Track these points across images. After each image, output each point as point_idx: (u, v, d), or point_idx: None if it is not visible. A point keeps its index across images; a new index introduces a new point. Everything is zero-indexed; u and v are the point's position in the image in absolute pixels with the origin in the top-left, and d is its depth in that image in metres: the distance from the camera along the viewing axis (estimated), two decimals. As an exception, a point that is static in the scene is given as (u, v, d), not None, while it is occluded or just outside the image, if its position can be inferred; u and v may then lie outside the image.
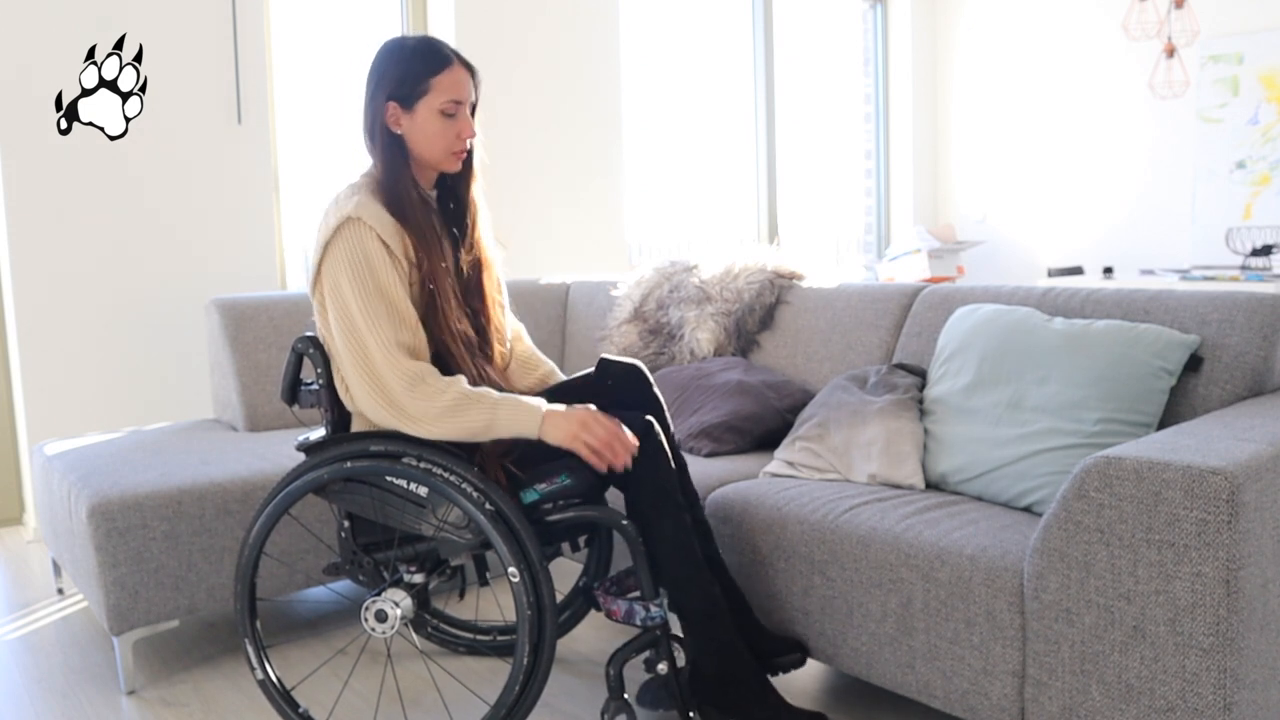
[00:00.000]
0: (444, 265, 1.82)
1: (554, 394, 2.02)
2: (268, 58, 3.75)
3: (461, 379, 1.74)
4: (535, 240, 4.39)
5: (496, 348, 1.96)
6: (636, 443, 1.77)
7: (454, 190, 1.95)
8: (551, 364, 2.15)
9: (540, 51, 4.33)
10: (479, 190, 1.96)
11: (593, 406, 1.80)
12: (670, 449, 2.00)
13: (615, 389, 1.99)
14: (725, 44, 5.23)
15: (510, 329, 2.06)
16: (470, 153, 1.91)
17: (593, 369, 2.03)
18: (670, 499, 1.80)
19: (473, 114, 1.88)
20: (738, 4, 5.23)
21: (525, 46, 4.29)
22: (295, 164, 3.88)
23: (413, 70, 1.78)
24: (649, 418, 1.83)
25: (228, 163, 3.58)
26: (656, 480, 1.80)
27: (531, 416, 1.72)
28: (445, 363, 1.80)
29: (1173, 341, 1.89)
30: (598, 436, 1.72)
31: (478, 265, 1.94)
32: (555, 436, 1.72)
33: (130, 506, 2.14)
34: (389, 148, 1.81)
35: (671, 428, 2.02)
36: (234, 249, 3.62)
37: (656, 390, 2.01)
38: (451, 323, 1.80)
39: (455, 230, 1.94)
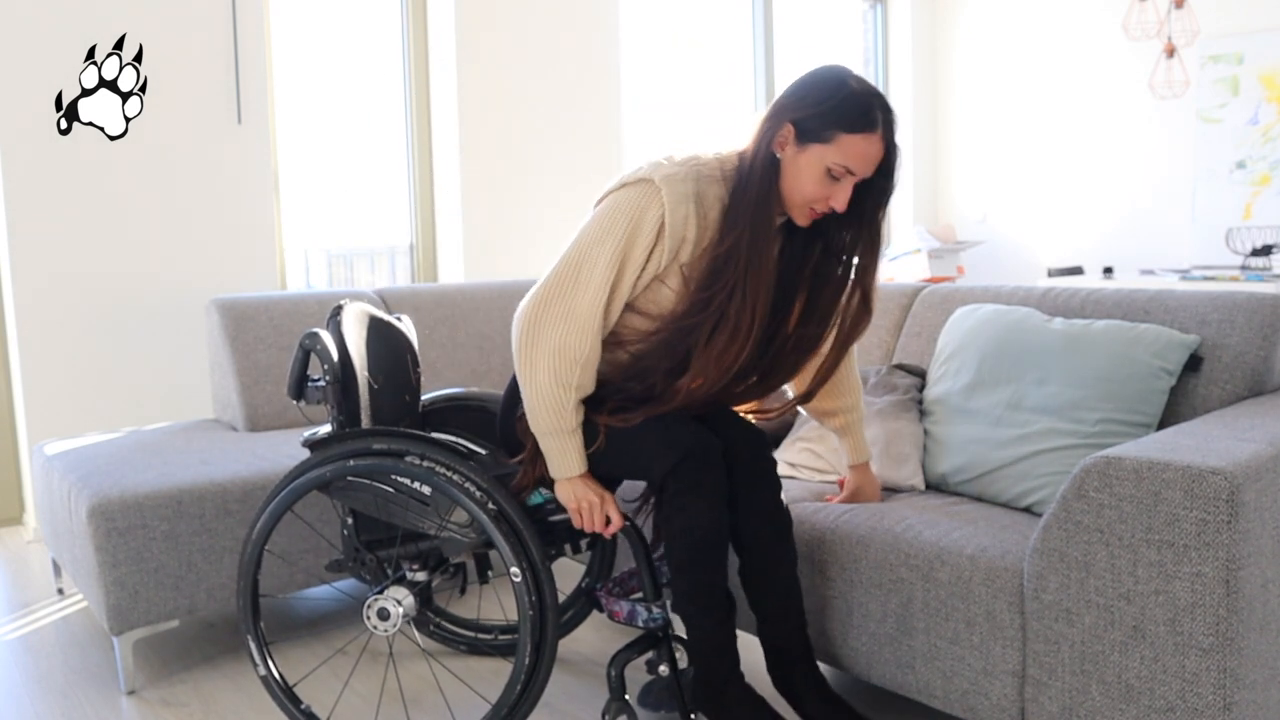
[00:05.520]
0: (763, 296, 1.69)
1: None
2: (268, 58, 3.75)
3: (580, 389, 1.71)
4: (535, 240, 4.39)
5: (745, 421, 1.85)
6: (618, 523, 1.78)
7: (823, 243, 1.79)
8: (851, 428, 2.00)
9: (540, 51, 4.33)
10: (866, 264, 1.78)
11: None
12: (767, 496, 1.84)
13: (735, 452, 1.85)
14: (725, 44, 5.23)
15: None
16: (851, 223, 1.76)
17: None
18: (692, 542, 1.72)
19: (882, 192, 1.72)
20: (738, 4, 5.23)
21: (525, 46, 4.29)
22: (295, 164, 3.88)
23: (829, 114, 1.63)
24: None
25: (228, 163, 3.58)
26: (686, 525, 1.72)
27: (562, 469, 1.76)
28: (663, 365, 1.73)
29: (1172, 341, 1.89)
30: (584, 513, 1.76)
31: (802, 337, 1.81)
32: (560, 493, 1.77)
33: (130, 506, 2.14)
34: (765, 165, 1.68)
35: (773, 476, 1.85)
36: (234, 249, 3.62)
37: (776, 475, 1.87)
38: (722, 354, 1.69)
39: (789, 285, 1.80)
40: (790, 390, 2.00)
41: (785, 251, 1.79)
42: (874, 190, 1.73)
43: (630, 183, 1.70)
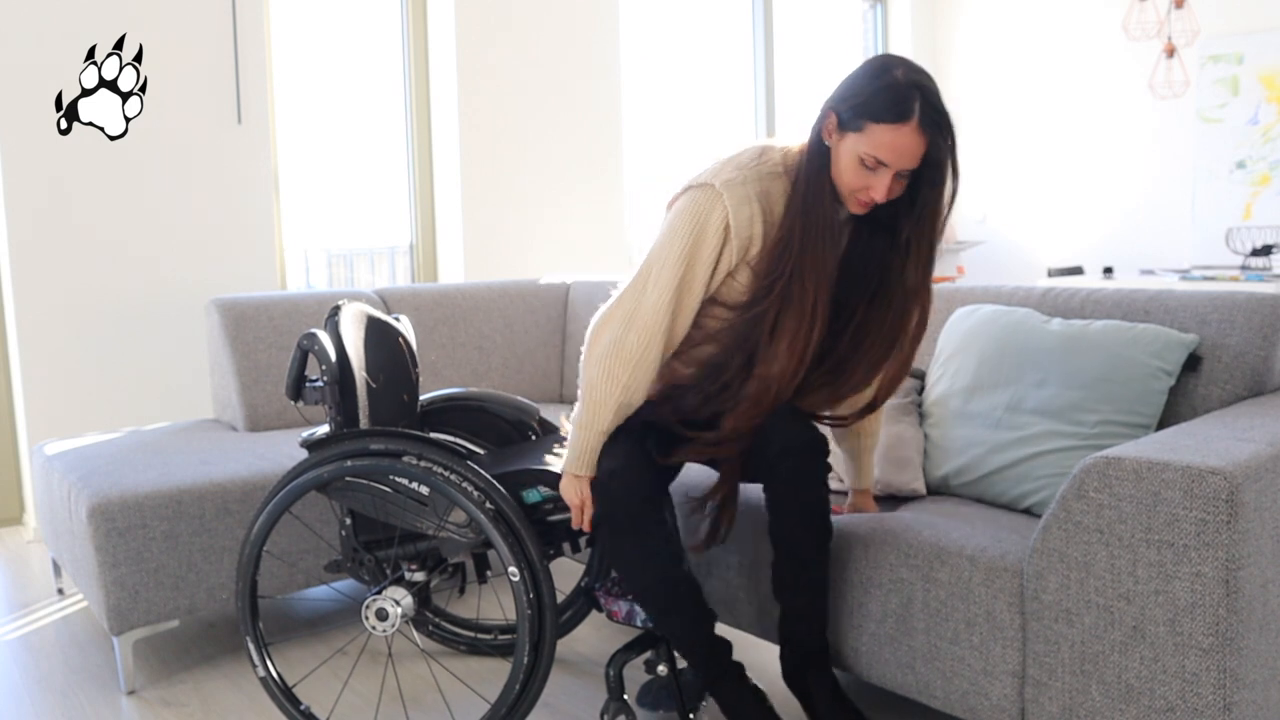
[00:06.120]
0: (823, 280, 1.69)
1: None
2: (268, 58, 3.75)
3: (627, 389, 1.74)
4: (535, 240, 4.39)
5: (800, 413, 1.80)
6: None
7: (889, 236, 1.76)
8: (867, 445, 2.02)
9: (541, 51, 4.33)
10: (915, 262, 1.74)
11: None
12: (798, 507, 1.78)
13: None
14: (725, 44, 5.23)
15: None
16: (914, 212, 1.71)
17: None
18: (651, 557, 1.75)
19: (932, 185, 1.67)
20: (738, 4, 5.23)
21: (526, 46, 4.29)
22: (295, 164, 3.88)
23: (863, 103, 1.62)
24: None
25: (228, 163, 3.58)
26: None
27: (574, 464, 1.78)
28: (736, 359, 1.75)
29: (1171, 341, 1.89)
30: (585, 510, 1.78)
31: (867, 325, 1.79)
32: (564, 487, 1.79)
33: (130, 506, 2.14)
34: (815, 153, 1.70)
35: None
36: (234, 249, 3.62)
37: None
38: (793, 338, 1.70)
39: (858, 274, 1.78)
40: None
41: (857, 240, 1.79)
42: (923, 183, 1.68)
43: (694, 186, 1.73)
